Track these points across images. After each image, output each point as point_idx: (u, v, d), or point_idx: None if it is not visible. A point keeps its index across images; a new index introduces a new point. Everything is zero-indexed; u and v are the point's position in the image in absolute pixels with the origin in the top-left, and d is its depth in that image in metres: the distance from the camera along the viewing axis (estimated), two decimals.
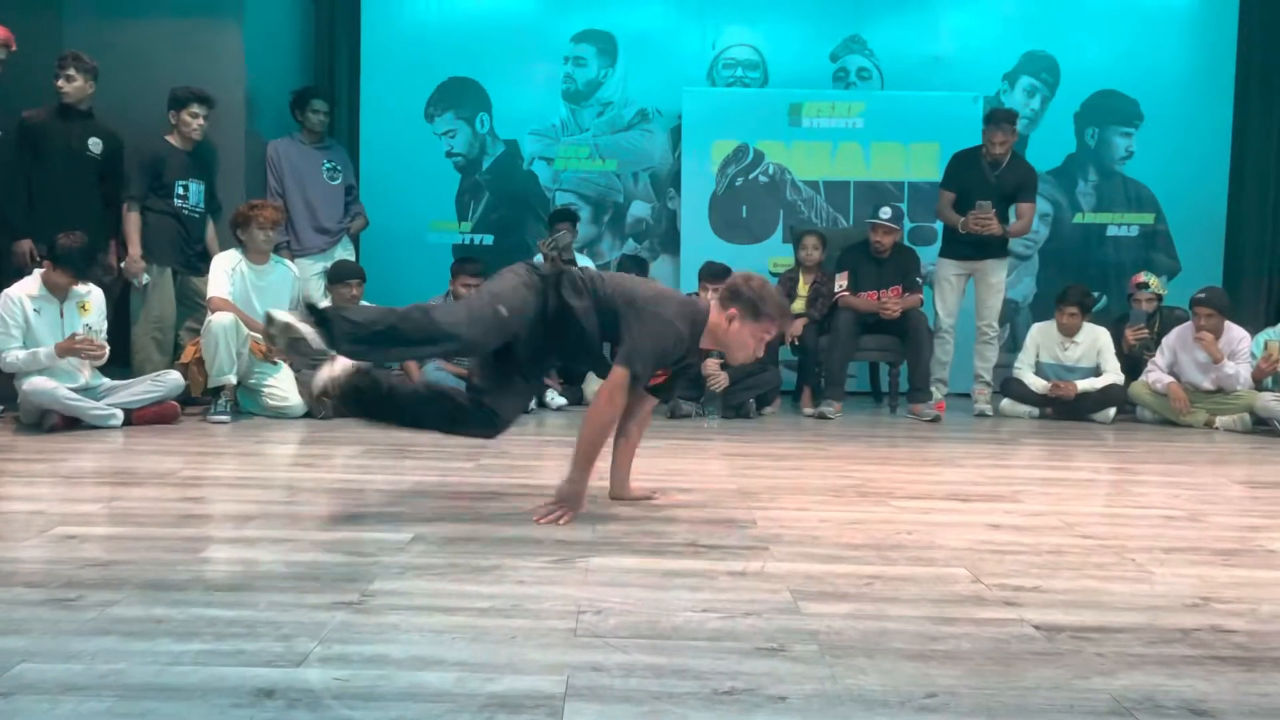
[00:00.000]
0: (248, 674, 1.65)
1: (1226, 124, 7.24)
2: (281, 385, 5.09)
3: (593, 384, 5.88)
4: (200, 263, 5.42)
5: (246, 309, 5.14)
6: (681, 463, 3.98)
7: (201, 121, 5.36)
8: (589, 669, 1.71)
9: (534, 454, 4.17)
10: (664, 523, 2.84)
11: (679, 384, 3.27)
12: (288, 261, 5.62)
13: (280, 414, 5.05)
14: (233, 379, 4.93)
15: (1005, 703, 1.62)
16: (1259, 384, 5.58)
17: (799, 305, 6.11)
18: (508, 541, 2.58)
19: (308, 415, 5.08)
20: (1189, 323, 5.65)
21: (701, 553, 2.52)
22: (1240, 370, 5.50)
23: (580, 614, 2.00)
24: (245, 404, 5.15)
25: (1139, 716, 1.58)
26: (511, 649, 1.81)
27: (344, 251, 6.23)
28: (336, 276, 5.43)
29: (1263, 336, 5.87)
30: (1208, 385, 5.58)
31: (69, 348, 4.47)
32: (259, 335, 5.08)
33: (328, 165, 6.22)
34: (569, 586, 2.20)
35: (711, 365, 5.60)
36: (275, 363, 5.11)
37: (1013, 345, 6.59)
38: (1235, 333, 5.62)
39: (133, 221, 5.22)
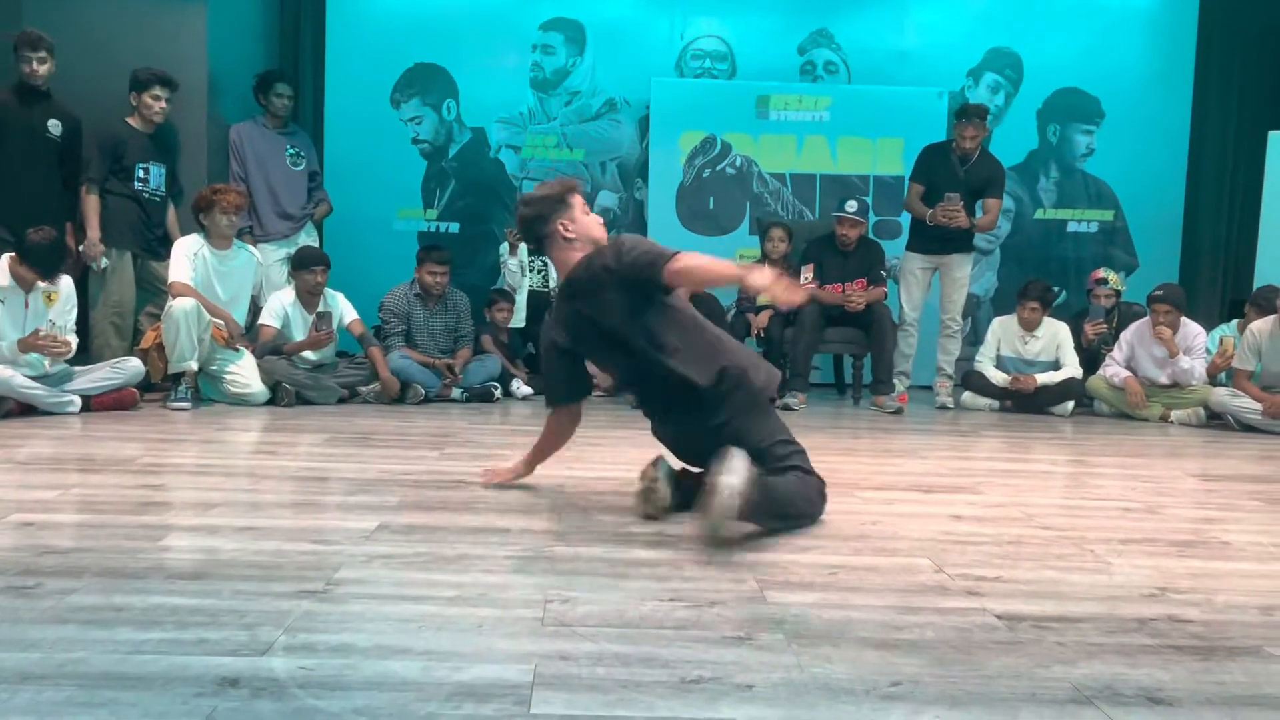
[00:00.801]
0: (211, 663, 1.63)
1: (1185, 124, 7.36)
2: (243, 372, 5.03)
3: None
4: (161, 247, 5.33)
5: (208, 294, 5.07)
6: (646, 452, 3.97)
7: (163, 104, 5.28)
8: (556, 658, 1.72)
9: (501, 443, 4.15)
10: (631, 513, 2.84)
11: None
12: (250, 247, 5.55)
13: (242, 401, 4.99)
14: (194, 365, 4.86)
15: (968, 691, 1.64)
16: (1213, 379, 5.69)
17: (764, 298, 6.13)
18: (474, 530, 2.57)
19: (270, 402, 5.03)
20: (1146, 318, 5.75)
21: (667, 542, 2.53)
22: (1195, 365, 5.61)
23: (547, 603, 2.00)
24: (206, 391, 5.08)
25: (1098, 705, 1.60)
26: (478, 638, 1.80)
27: (307, 238, 6.17)
28: (300, 263, 5.37)
29: (1217, 332, 6.00)
30: (1164, 380, 5.69)
31: (31, 345, 4.38)
32: (220, 321, 5.03)
33: (291, 150, 6.15)
34: (536, 575, 2.19)
35: None
36: (237, 349, 5.05)
37: (974, 339, 6.67)
38: (1191, 329, 5.72)
39: (92, 204, 5.13)
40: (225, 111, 6.17)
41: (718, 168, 7.04)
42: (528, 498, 3.01)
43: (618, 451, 3.99)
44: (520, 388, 5.75)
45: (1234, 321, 6.04)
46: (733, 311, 6.17)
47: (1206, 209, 7.41)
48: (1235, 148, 7.36)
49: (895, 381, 5.85)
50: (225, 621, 1.83)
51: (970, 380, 6.02)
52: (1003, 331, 6.05)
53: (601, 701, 1.55)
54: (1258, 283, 6.21)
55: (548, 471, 3.47)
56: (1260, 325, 5.39)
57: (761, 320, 5.97)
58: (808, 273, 5.91)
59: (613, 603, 2.02)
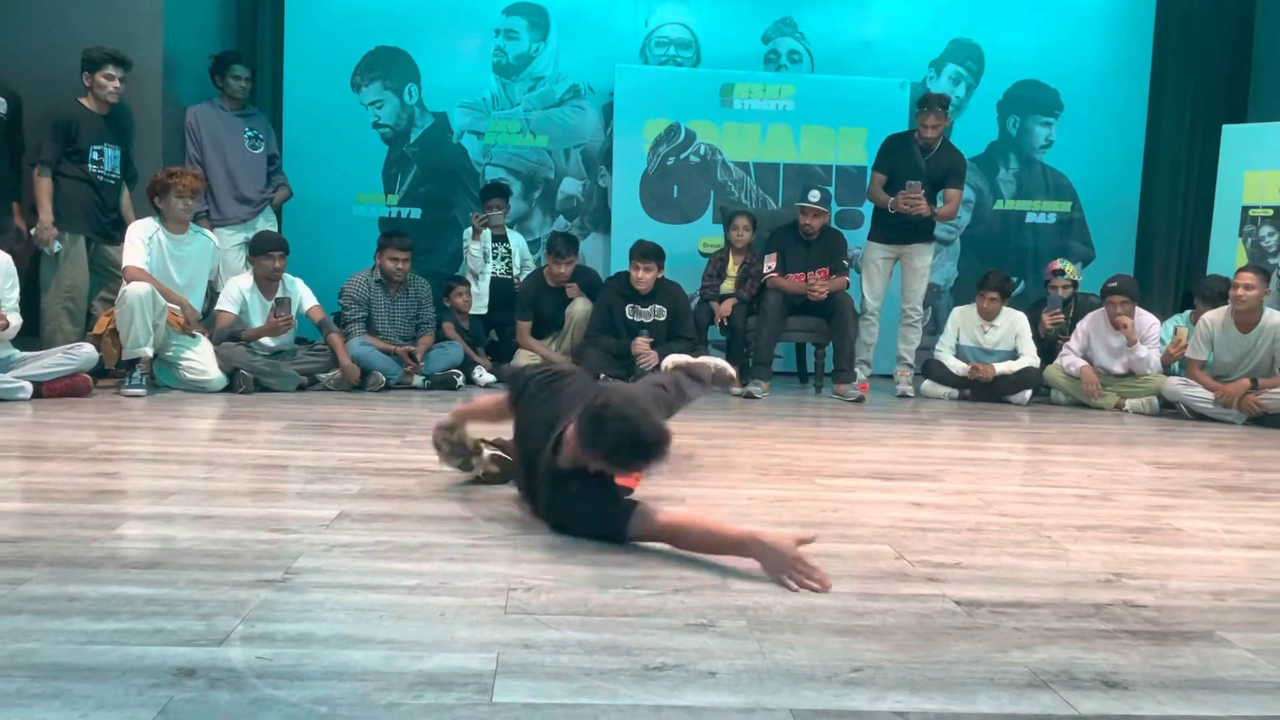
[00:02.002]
0: (167, 653, 1.61)
1: (1141, 117, 7.47)
2: (200, 358, 4.95)
3: (521, 357, 5.85)
4: (115, 231, 5.23)
5: (164, 279, 4.98)
6: None
7: (117, 84, 5.16)
8: (519, 646, 1.71)
9: None
10: None
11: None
12: (207, 231, 5.46)
13: (198, 388, 4.91)
14: (149, 351, 4.77)
15: (928, 676, 1.66)
16: (1167, 368, 5.79)
17: (728, 286, 6.16)
18: (436, 519, 2.56)
19: (228, 389, 4.95)
20: (1102, 309, 5.83)
21: None
22: (1150, 355, 5.70)
23: (510, 591, 2.00)
24: (161, 377, 5.00)
25: (1055, 689, 1.63)
26: (440, 627, 1.79)
27: (266, 222, 6.07)
28: (258, 248, 5.29)
29: (1171, 323, 6.10)
30: (1118, 369, 5.78)
31: None
32: (176, 306, 4.94)
33: (249, 133, 6.05)
34: (499, 564, 2.18)
35: (641, 344, 5.62)
36: (193, 335, 4.97)
37: (935, 328, 6.73)
38: (1145, 319, 5.82)
39: (44, 187, 5.00)
40: (181, 93, 6.05)
41: (682, 155, 7.03)
42: (490, 486, 2.99)
43: None
44: (483, 375, 5.72)
45: (1187, 312, 6.15)
46: (696, 300, 6.18)
47: (1161, 201, 7.52)
48: (1190, 141, 7.47)
49: (857, 370, 5.90)
50: (181, 611, 1.80)
51: (930, 369, 6.08)
52: (962, 321, 6.12)
53: (565, 689, 1.54)
54: (1210, 274, 6.33)
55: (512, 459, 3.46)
56: (1212, 316, 5.49)
57: (725, 309, 5.98)
58: (771, 262, 5.93)
59: (576, 591, 2.02)
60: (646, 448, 2.25)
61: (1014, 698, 1.59)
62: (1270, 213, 6.47)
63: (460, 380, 5.55)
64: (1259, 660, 1.80)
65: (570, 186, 7.26)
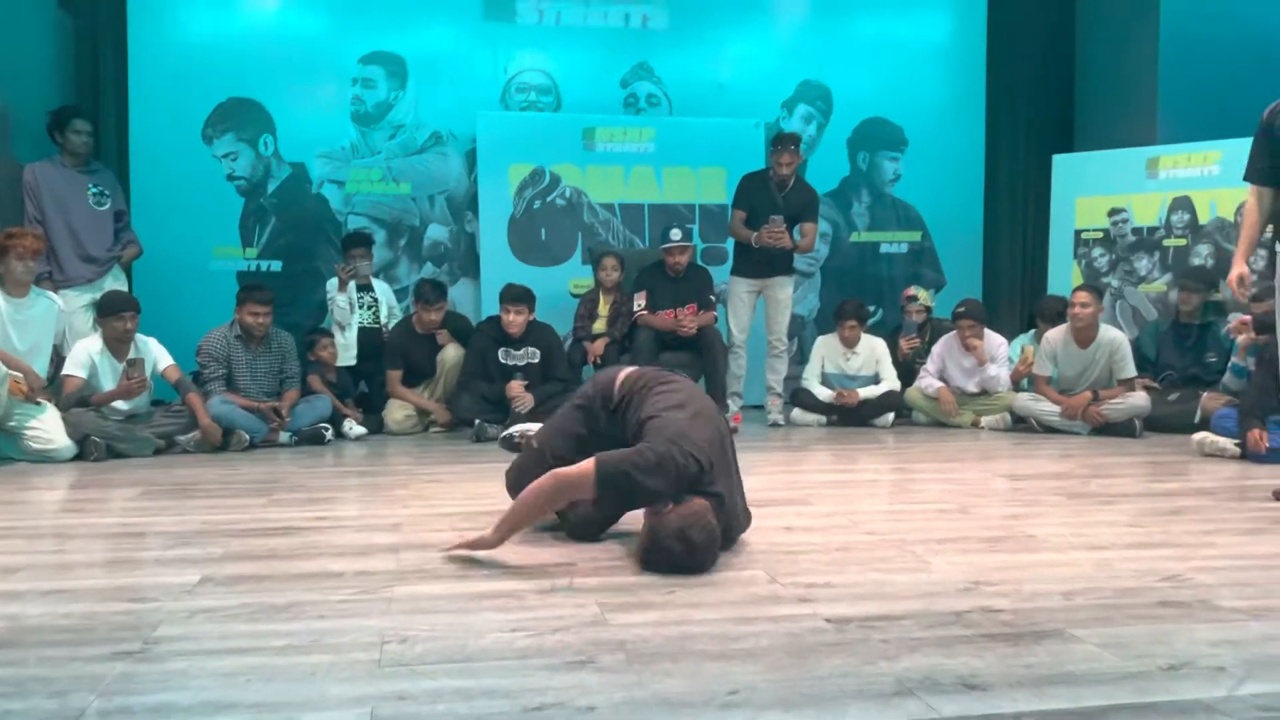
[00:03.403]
0: None
1: (980, 149, 7.91)
2: (46, 427, 4.69)
3: (394, 412, 5.75)
4: None
5: (5, 345, 4.72)
6: (488, 485, 3.94)
7: None
8: (394, 698, 1.68)
9: (333, 485, 4.03)
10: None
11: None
12: (51, 293, 5.20)
13: (45, 458, 4.65)
14: None
15: (801, 692, 1.71)
16: (1016, 385, 6.11)
17: (600, 325, 6.20)
18: (305, 577, 2.49)
19: (78, 458, 4.71)
20: (954, 332, 6.13)
21: (509, 573, 2.51)
22: (1000, 373, 6.01)
23: (385, 644, 1.96)
24: (4, 449, 4.71)
25: (919, 695, 1.70)
26: (311, 685, 1.74)
27: (115, 281, 5.81)
28: (107, 309, 5.05)
29: (1018, 342, 6.45)
30: (972, 388, 6.07)
31: None
32: (19, 373, 4.68)
33: (94, 190, 5.80)
34: (372, 618, 2.14)
35: (515, 387, 5.60)
36: (39, 403, 4.71)
37: (801, 358, 6.93)
38: (994, 339, 6.14)
39: None
40: (18, 151, 5.77)
41: (548, 199, 7.08)
42: (362, 539, 2.93)
43: (455, 486, 3.94)
44: (353, 428, 5.59)
45: (1031, 331, 6.51)
46: (569, 340, 6.21)
47: (1003, 228, 7.96)
48: (1025, 171, 7.94)
49: (729, 402, 6.01)
50: (31, 690, 1.71)
51: (798, 397, 6.25)
52: (826, 349, 6.33)
53: None
54: (1048, 295, 6.73)
55: (384, 511, 3.40)
56: (1054, 334, 5.84)
57: (597, 348, 6.03)
58: (640, 300, 6.01)
59: (453, 638, 2.00)
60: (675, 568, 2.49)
61: (881, 707, 1.65)
62: (1100, 235, 6.93)
63: (329, 434, 5.41)
64: (1104, 653, 1.91)
65: (437, 233, 7.21)
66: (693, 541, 2.46)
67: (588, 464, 2.56)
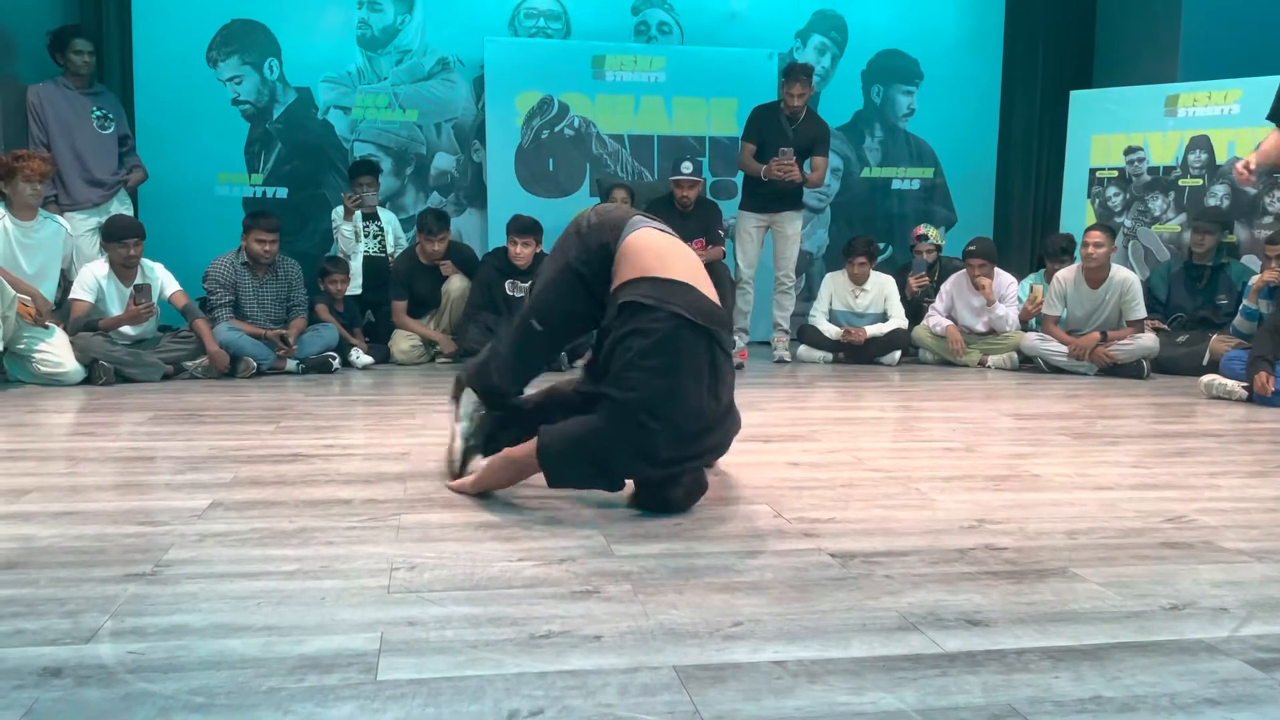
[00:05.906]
0: (30, 653, 1.54)
1: (996, 84, 7.77)
2: (55, 350, 4.70)
3: (400, 342, 5.75)
4: None
5: (13, 268, 4.70)
6: None
7: None
8: (404, 624, 1.70)
9: (340, 413, 4.04)
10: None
11: None
12: (58, 217, 5.17)
13: (54, 381, 4.67)
14: None
15: (804, 625, 1.72)
16: (1025, 325, 6.09)
17: None
18: (315, 503, 2.51)
19: (87, 381, 4.72)
20: (963, 271, 6.08)
21: (516, 504, 2.53)
22: (1009, 313, 5.98)
23: (394, 570, 1.98)
24: (14, 371, 4.73)
25: (923, 630, 1.71)
26: (322, 610, 1.77)
27: (120, 206, 5.78)
28: (111, 235, 5.02)
29: (1027, 281, 6.41)
30: (980, 328, 6.05)
31: None
32: (26, 296, 4.68)
33: (98, 112, 5.74)
34: (381, 545, 2.16)
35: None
36: (47, 326, 4.71)
37: (808, 294, 6.89)
38: (1003, 279, 6.10)
39: None
40: (20, 72, 5.69)
41: (556, 129, 6.99)
42: (370, 467, 2.95)
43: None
44: (360, 357, 5.59)
45: (1041, 271, 6.47)
46: None
47: (1017, 166, 7.86)
48: (1041, 108, 7.82)
49: (735, 338, 6.00)
50: (44, 610, 1.73)
51: (805, 334, 6.24)
52: (834, 286, 6.29)
53: (450, 663, 1.55)
54: (1052, 233, 6.67)
55: (391, 440, 3.42)
56: (1065, 273, 5.79)
57: None
58: None
59: (460, 566, 2.02)
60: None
61: (884, 640, 1.67)
62: (1115, 174, 6.84)
63: (336, 363, 5.42)
64: (1107, 592, 1.93)
65: (443, 162, 7.13)
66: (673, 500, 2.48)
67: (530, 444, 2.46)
